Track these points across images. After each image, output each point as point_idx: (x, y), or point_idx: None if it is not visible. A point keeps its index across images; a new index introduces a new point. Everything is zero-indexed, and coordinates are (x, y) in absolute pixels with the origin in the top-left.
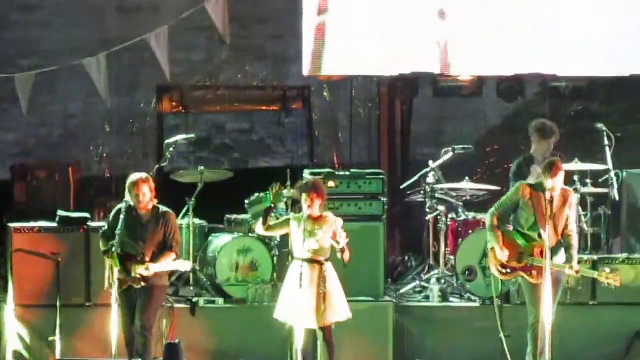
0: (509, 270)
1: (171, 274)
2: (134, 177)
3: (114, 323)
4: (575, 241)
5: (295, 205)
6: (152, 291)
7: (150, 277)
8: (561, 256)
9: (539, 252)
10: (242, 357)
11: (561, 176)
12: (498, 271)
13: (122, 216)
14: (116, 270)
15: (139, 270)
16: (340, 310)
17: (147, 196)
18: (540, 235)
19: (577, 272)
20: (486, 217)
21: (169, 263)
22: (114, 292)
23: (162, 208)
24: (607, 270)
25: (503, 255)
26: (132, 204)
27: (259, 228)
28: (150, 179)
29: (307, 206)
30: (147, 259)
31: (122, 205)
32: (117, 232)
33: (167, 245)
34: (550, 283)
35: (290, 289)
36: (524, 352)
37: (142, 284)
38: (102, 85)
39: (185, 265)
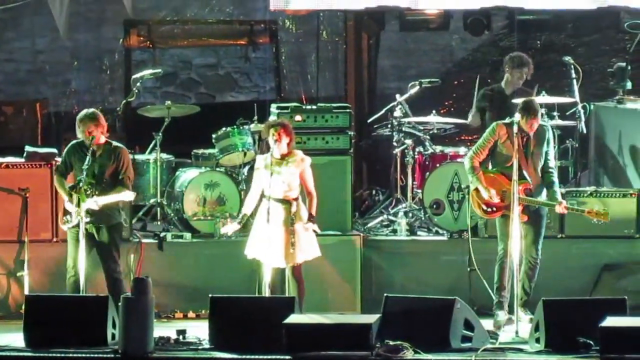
0: (494, 209)
1: (133, 210)
2: (81, 114)
3: (81, 258)
4: (556, 178)
5: (262, 141)
6: (108, 234)
7: (102, 217)
8: (543, 195)
9: (523, 190)
10: (209, 292)
11: (539, 117)
12: (482, 210)
13: (73, 152)
14: (68, 205)
15: (87, 204)
16: (309, 249)
17: (94, 133)
18: (523, 175)
19: (565, 208)
20: (465, 161)
21: (114, 195)
22: (79, 226)
23: (114, 143)
24: (596, 207)
25: (490, 194)
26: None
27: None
28: (98, 115)
29: (274, 140)
30: (97, 192)
31: (75, 142)
32: (84, 167)
33: (118, 180)
34: (531, 219)
35: (260, 226)
36: (491, 285)
37: (90, 218)
38: (62, 21)
39: (127, 195)
